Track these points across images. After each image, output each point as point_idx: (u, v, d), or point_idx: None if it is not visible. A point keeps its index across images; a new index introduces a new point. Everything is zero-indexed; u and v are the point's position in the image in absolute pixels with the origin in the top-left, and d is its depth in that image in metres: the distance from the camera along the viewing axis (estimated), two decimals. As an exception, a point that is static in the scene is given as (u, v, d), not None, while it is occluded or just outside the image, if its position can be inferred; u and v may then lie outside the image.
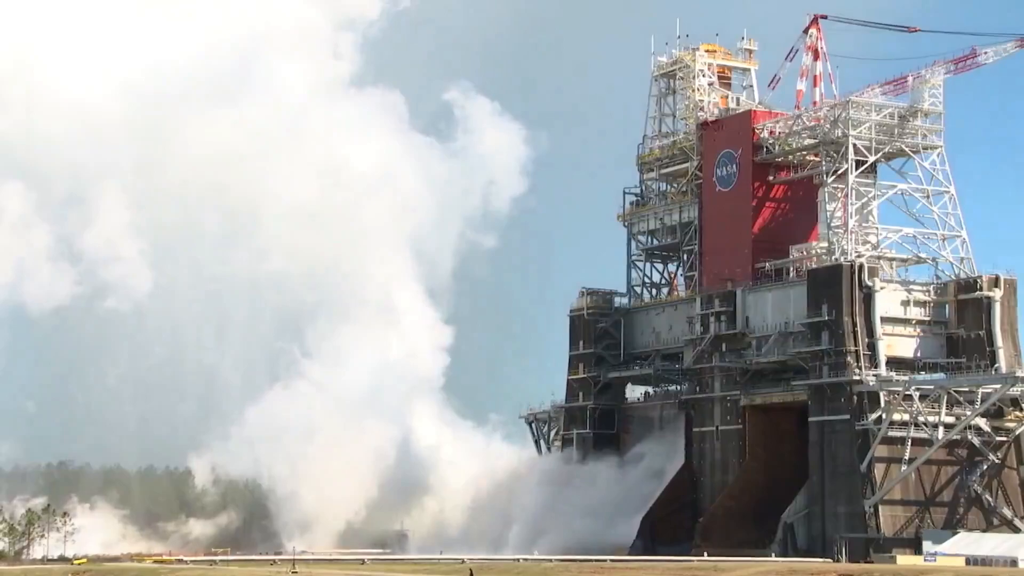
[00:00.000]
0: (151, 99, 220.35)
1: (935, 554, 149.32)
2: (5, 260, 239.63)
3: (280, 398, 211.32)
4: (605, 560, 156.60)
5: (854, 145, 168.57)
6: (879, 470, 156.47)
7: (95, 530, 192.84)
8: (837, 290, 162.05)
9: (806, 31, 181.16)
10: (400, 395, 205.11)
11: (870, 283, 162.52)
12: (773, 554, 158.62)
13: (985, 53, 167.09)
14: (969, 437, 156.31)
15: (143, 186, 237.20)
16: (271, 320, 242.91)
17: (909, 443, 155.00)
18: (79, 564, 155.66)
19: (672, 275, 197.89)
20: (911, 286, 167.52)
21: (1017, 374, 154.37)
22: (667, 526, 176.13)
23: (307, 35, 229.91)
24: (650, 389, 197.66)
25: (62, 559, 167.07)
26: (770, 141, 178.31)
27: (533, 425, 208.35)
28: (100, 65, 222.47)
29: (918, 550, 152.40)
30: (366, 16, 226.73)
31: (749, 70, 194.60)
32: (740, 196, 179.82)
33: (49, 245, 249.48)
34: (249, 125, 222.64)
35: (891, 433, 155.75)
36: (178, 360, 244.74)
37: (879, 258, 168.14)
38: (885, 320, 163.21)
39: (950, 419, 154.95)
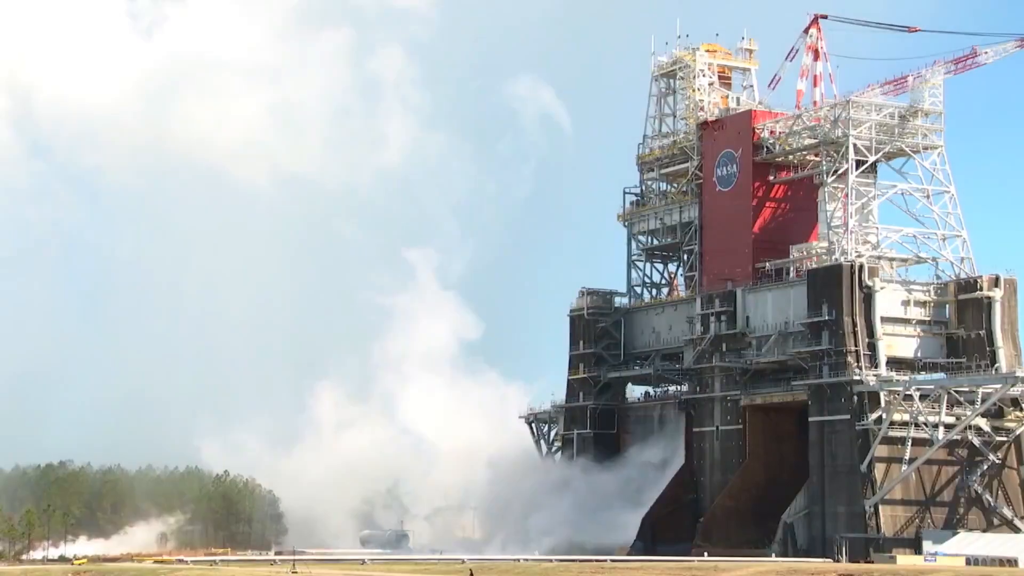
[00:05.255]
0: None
1: (935, 554, 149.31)
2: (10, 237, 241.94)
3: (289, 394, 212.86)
4: (605, 560, 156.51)
5: (854, 145, 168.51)
6: (879, 470, 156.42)
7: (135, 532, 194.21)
8: (837, 290, 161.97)
9: (806, 31, 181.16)
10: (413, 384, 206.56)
11: (870, 283, 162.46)
12: (773, 554, 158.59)
13: (985, 53, 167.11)
14: (969, 437, 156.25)
15: (159, 176, 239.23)
16: (287, 314, 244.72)
17: (909, 443, 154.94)
18: (79, 564, 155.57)
19: (672, 275, 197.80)
20: (911, 286, 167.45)
21: (1017, 374, 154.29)
22: (667, 526, 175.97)
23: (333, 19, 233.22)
24: (650, 389, 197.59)
25: (62, 559, 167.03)
26: (770, 141, 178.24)
27: (533, 425, 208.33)
28: (118, 52, 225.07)
29: (918, 550, 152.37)
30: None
31: (749, 70, 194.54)
32: (740, 196, 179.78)
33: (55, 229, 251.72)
34: (284, 109, 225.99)
35: (891, 433, 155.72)
36: (181, 358, 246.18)
37: (879, 258, 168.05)
38: (885, 320, 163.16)
39: (950, 419, 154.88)
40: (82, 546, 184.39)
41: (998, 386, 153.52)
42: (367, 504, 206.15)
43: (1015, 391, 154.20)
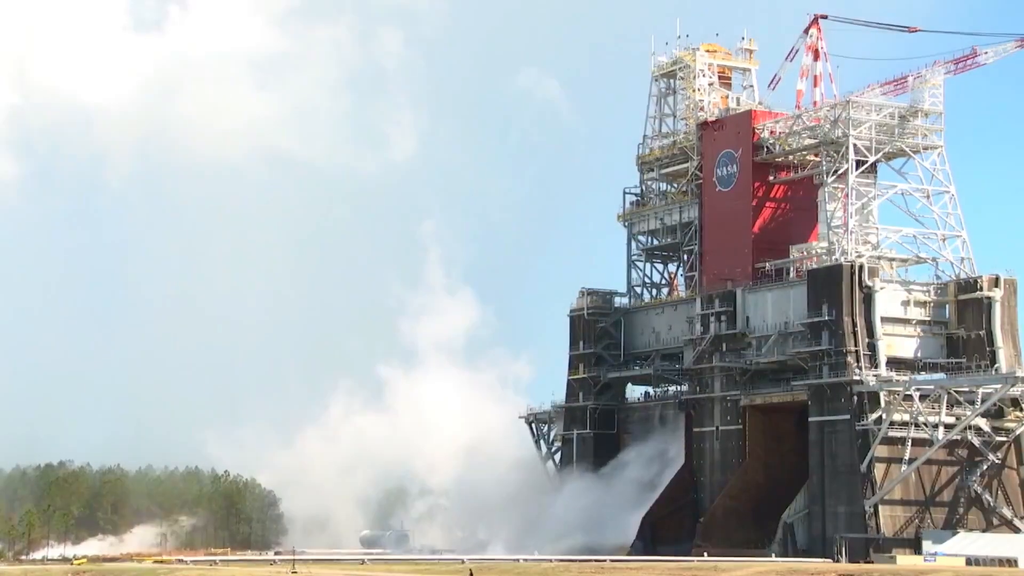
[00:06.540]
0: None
1: (935, 554, 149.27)
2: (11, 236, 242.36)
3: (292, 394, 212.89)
4: (605, 560, 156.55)
5: (854, 145, 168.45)
6: (879, 470, 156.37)
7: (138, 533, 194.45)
8: (837, 290, 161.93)
9: (806, 31, 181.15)
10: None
11: (870, 283, 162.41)
12: (773, 554, 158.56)
13: (985, 53, 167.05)
14: (969, 437, 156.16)
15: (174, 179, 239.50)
16: (292, 310, 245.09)
17: (909, 443, 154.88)
18: (79, 564, 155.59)
19: (672, 275, 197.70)
20: (911, 286, 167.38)
21: (1017, 374, 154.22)
22: (667, 526, 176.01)
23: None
24: (650, 389, 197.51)
25: (63, 559, 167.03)
26: (770, 141, 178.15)
27: (533, 425, 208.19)
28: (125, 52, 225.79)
29: (918, 550, 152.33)
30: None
31: (749, 70, 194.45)
32: (740, 196, 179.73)
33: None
34: (289, 104, 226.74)
35: (891, 433, 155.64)
36: (183, 357, 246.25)
37: (879, 258, 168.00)
38: (885, 320, 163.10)
39: (950, 419, 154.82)
40: (82, 546, 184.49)
41: (998, 386, 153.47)
42: (371, 503, 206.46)
43: (1015, 391, 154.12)
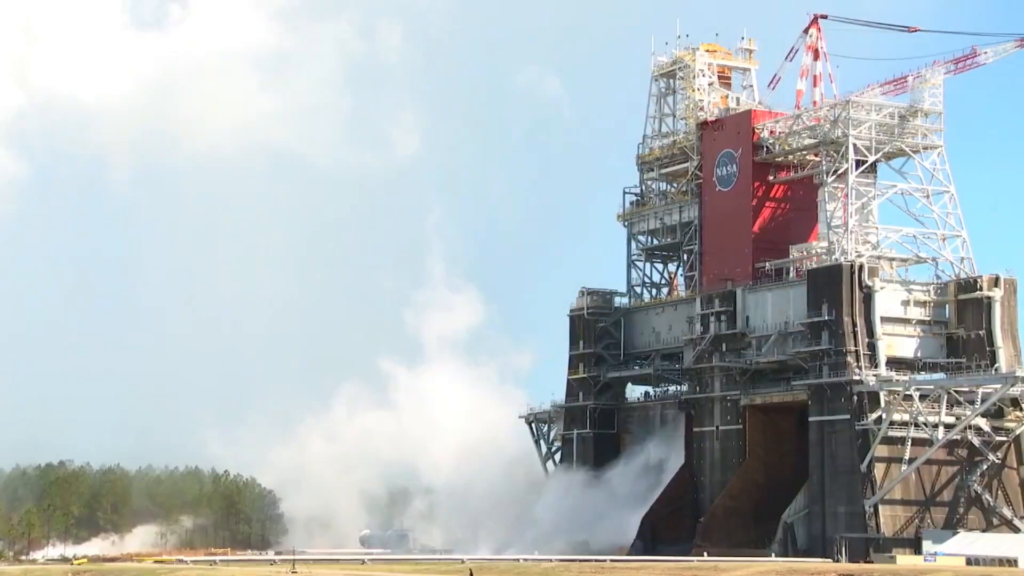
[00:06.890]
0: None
1: (935, 554, 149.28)
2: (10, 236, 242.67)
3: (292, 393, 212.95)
4: (605, 560, 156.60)
5: (854, 145, 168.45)
6: (879, 470, 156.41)
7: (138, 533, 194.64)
8: (837, 290, 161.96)
9: (806, 31, 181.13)
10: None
11: (870, 283, 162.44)
12: (773, 554, 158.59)
13: (985, 53, 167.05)
14: (969, 437, 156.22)
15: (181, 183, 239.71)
16: (293, 309, 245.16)
17: (909, 443, 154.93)
18: (79, 564, 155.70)
19: (672, 275, 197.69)
20: (911, 286, 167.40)
21: (1017, 374, 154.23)
22: (667, 526, 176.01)
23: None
24: (650, 389, 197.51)
25: (63, 559, 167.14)
26: (770, 141, 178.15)
27: (533, 425, 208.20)
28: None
29: (918, 550, 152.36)
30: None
31: (749, 70, 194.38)
32: (740, 196, 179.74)
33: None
34: (290, 102, 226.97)
35: (891, 433, 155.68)
36: (183, 356, 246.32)
37: (879, 258, 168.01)
38: (885, 320, 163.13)
39: (950, 419, 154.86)
40: (83, 546, 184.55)
41: (998, 386, 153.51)
42: (373, 502, 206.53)
43: (1015, 391, 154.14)
